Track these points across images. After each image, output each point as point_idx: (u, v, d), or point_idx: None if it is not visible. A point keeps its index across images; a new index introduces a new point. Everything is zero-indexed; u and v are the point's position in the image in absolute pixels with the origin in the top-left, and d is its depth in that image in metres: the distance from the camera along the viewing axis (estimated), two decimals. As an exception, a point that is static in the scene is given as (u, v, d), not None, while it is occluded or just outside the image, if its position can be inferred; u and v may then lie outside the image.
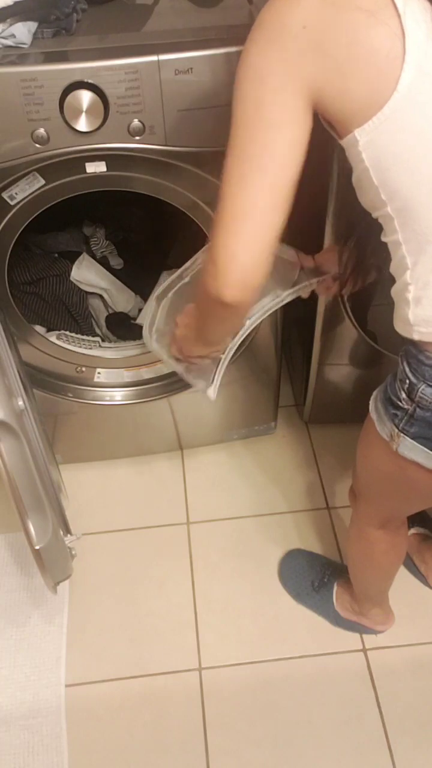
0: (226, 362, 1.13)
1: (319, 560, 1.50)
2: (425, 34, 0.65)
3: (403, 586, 1.45)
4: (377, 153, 0.70)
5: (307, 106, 0.69)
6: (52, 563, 1.19)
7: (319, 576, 1.45)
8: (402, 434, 0.86)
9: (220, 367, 1.12)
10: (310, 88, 0.68)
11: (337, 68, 0.67)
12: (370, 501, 1.10)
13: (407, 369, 0.82)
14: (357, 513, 1.17)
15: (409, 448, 0.86)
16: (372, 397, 0.94)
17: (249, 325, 1.14)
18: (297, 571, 1.49)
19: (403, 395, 0.83)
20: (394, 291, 0.83)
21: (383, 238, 0.80)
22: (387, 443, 0.89)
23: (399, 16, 0.64)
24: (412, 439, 0.85)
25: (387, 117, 0.67)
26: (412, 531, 1.50)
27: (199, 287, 0.79)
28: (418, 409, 0.82)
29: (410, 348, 0.82)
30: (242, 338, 1.15)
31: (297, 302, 1.17)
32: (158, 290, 1.21)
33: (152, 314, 1.21)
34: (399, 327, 0.83)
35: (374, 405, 0.92)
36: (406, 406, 0.83)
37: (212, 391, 1.14)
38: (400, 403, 0.84)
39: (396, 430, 0.86)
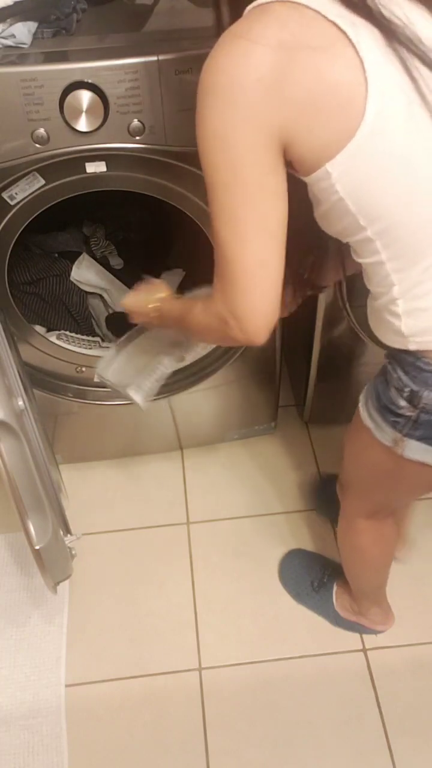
0: (164, 377, 1.18)
1: (318, 560, 1.51)
2: (382, 58, 0.65)
3: (403, 586, 1.45)
4: (353, 181, 0.69)
5: (279, 153, 0.69)
6: (52, 563, 1.19)
7: (319, 576, 1.46)
8: (407, 438, 0.86)
9: (156, 378, 1.17)
10: (279, 137, 0.67)
11: (302, 110, 0.66)
12: (360, 494, 1.11)
13: (405, 378, 0.82)
14: (345, 505, 1.17)
15: (415, 450, 0.87)
16: (361, 405, 0.94)
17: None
18: (297, 571, 1.50)
19: (403, 403, 0.83)
20: (377, 307, 0.83)
21: (358, 260, 0.81)
22: (384, 446, 0.90)
23: (353, 45, 0.64)
24: (417, 441, 0.85)
25: (359, 145, 0.66)
26: None
27: (211, 325, 0.81)
28: (422, 414, 0.82)
29: (404, 357, 0.82)
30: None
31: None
32: (120, 340, 1.24)
33: (111, 357, 1.24)
34: (389, 339, 0.84)
35: (367, 413, 0.92)
36: (408, 413, 0.83)
37: (142, 399, 1.17)
38: (400, 411, 0.84)
39: (400, 436, 0.86)
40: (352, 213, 0.72)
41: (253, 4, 0.67)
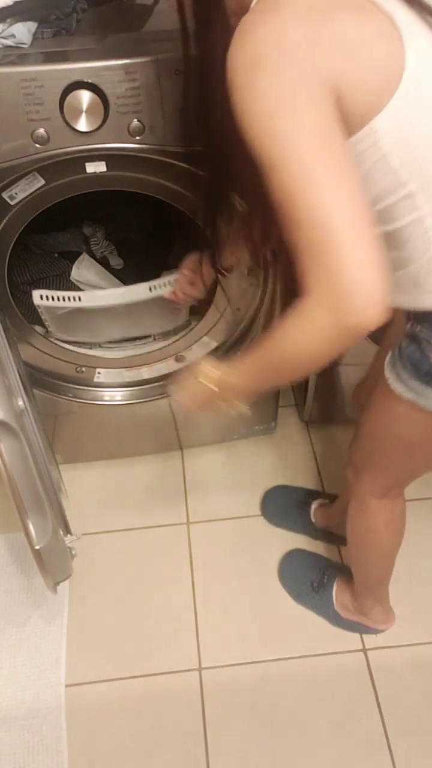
0: None
1: (318, 560, 1.51)
2: (410, 18, 0.70)
3: (403, 586, 1.45)
4: (400, 133, 0.71)
5: (336, 106, 0.68)
6: (52, 563, 1.19)
7: (319, 576, 1.46)
8: None
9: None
10: (332, 89, 0.67)
11: (349, 60, 0.68)
12: (381, 470, 1.09)
13: None
14: (359, 487, 1.15)
15: None
16: (392, 381, 0.92)
17: None
18: (297, 571, 1.50)
19: None
20: (409, 273, 0.81)
21: (389, 226, 0.79)
22: (426, 413, 0.89)
23: (379, 7, 0.69)
24: None
25: (405, 92, 0.69)
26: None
27: (315, 331, 0.70)
28: None
29: None
30: None
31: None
32: None
33: None
34: (424, 301, 0.83)
35: (404, 386, 0.91)
36: None
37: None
38: None
39: None
40: (393, 170, 0.73)
41: None
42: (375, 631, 1.41)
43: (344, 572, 1.45)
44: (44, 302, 1.34)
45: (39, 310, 1.37)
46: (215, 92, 0.79)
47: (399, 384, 0.92)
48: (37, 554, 1.13)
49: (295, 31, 0.66)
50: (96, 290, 1.44)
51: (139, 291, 1.35)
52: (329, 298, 0.67)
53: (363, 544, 1.25)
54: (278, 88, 0.66)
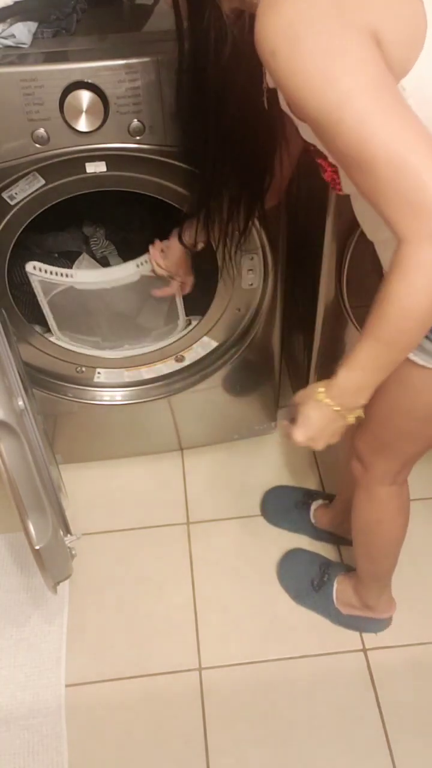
0: None
1: (318, 559, 1.51)
2: None
3: (403, 586, 1.45)
4: (423, 93, 0.70)
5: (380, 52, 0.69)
6: (51, 563, 1.19)
7: (319, 574, 1.46)
8: None
9: None
10: (373, 36, 0.67)
11: (382, 11, 0.68)
12: (394, 453, 1.09)
13: None
14: (368, 477, 1.15)
15: None
16: (412, 354, 0.92)
17: None
18: (296, 571, 1.50)
19: None
20: None
21: None
22: None
23: None
24: None
25: (428, 53, 0.69)
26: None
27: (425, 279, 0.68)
28: None
29: None
30: None
31: (297, 302, 1.17)
32: None
33: None
34: None
35: (425, 355, 0.91)
36: None
37: None
38: None
39: None
40: None
41: None
42: (378, 624, 1.41)
43: (344, 570, 1.45)
44: (37, 273, 1.36)
45: (35, 292, 1.38)
46: (210, 83, 0.80)
47: (420, 353, 0.91)
48: (37, 554, 1.13)
49: None
50: (87, 270, 1.46)
51: (128, 268, 1.38)
52: (427, 229, 0.65)
53: (375, 534, 1.24)
54: (325, 43, 0.65)
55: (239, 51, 0.79)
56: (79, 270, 1.40)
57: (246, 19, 0.79)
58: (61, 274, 1.37)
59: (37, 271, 1.35)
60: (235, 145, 0.94)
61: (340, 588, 1.42)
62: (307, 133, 0.80)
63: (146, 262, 1.35)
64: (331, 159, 0.80)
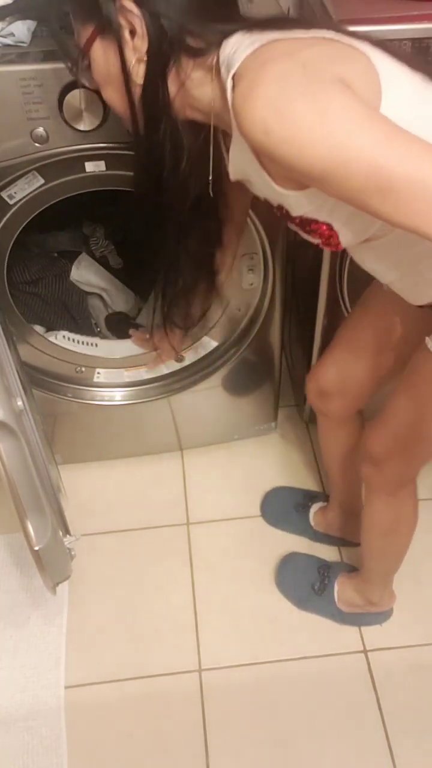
0: None
1: (316, 562, 1.50)
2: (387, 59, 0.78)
3: (403, 587, 1.44)
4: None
5: None
6: (51, 564, 1.18)
7: (320, 579, 1.45)
8: None
9: None
10: (344, 83, 0.71)
11: (343, 65, 0.73)
12: (415, 455, 1.09)
13: None
14: (382, 479, 1.14)
15: None
16: None
17: None
18: (296, 577, 1.49)
19: None
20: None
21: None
22: None
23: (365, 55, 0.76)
24: None
25: (386, 100, 0.75)
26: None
27: None
28: None
29: None
30: None
31: (297, 301, 1.16)
32: None
33: None
34: None
35: None
36: None
37: None
38: None
39: None
40: None
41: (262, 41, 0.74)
42: (381, 617, 1.42)
43: (344, 570, 1.45)
44: (63, 342, 1.48)
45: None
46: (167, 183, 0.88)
47: None
48: (37, 555, 1.12)
49: (301, 55, 0.71)
50: (111, 342, 1.57)
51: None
52: None
53: (395, 534, 1.24)
54: (310, 101, 0.68)
55: (194, 160, 0.86)
56: (103, 341, 1.54)
57: (201, 130, 0.85)
58: (87, 344, 1.51)
59: (65, 340, 1.48)
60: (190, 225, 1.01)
61: (341, 589, 1.42)
62: (300, 205, 0.83)
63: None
64: (322, 219, 0.84)
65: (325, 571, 1.46)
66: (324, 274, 1.36)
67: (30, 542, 1.11)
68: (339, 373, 1.21)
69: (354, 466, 1.25)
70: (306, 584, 1.46)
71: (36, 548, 1.12)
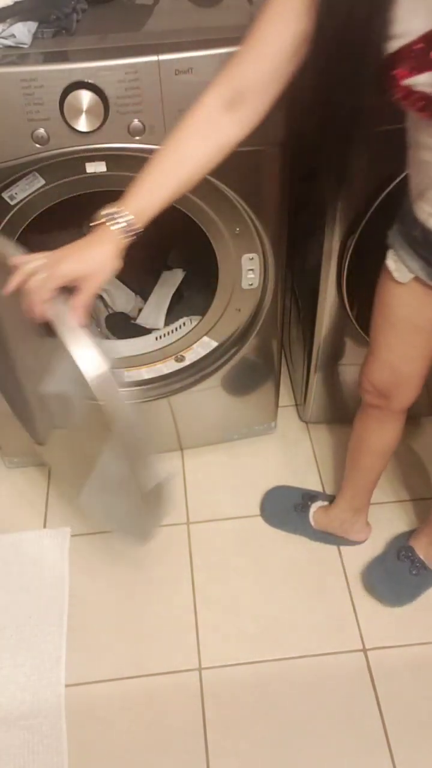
0: None
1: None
2: None
3: (403, 586, 1.45)
4: None
5: None
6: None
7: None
8: None
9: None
10: None
11: None
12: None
13: None
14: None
15: None
16: None
17: None
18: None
19: None
20: None
21: None
22: None
23: None
24: None
25: None
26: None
27: None
28: None
29: None
30: None
31: (297, 302, 1.17)
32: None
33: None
34: None
35: None
36: None
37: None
38: None
39: None
40: None
41: None
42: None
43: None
44: None
45: None
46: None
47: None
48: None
49: None
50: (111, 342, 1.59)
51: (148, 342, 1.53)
52: None
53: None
54: None
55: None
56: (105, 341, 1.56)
57: None
58: None
59: None
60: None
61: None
62: None
63: (166, 334, 1.48)
64: None
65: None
66: (324, 274, 1.36)
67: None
68: (393, 375, 1.22)
69: (383, 460, 1.40)
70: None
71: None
